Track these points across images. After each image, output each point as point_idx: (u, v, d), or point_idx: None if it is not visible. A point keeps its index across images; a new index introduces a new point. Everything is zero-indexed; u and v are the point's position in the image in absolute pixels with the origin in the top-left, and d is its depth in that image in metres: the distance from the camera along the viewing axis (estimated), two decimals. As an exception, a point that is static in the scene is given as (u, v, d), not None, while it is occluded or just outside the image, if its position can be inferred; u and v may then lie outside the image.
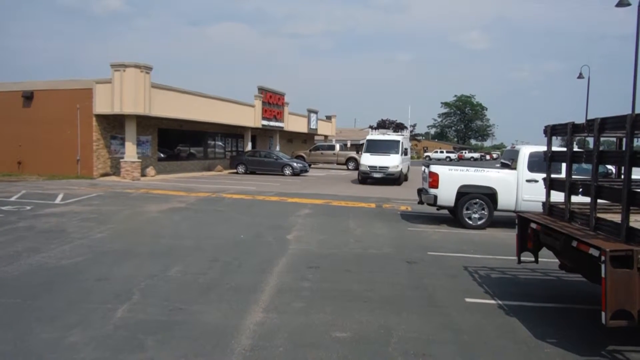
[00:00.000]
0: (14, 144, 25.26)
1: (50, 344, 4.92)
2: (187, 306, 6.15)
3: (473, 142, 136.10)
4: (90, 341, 5.02)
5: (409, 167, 30.95)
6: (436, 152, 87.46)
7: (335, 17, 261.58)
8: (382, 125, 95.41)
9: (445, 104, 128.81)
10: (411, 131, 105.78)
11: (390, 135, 29.60)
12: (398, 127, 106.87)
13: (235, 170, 32.65)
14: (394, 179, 26.04)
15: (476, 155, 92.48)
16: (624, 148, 5.51)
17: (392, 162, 26.05)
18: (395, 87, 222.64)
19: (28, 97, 25.22)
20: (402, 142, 27.44)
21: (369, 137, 28.93)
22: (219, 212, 14.60)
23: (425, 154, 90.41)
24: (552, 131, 6.96)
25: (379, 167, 25.91)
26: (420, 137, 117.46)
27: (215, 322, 5.64)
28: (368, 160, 26.52)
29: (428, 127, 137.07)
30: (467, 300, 6.78)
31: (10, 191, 17.52)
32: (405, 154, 27.50)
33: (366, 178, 26.43)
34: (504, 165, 13.77)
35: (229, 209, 15.33)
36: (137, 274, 7.49)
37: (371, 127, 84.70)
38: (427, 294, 7.05)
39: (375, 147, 27.10)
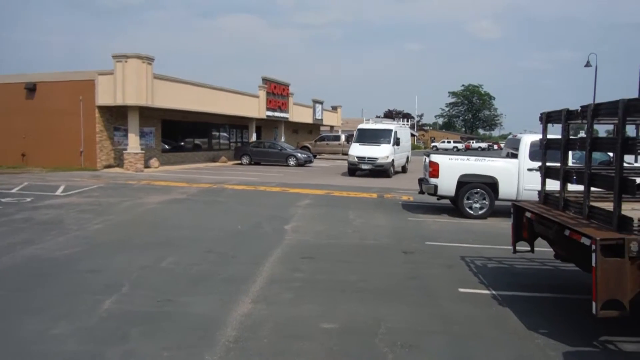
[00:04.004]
0: (17, 136, 25.27)
1: (35, 336, 4.89)
2: (176, 297, 6.10)
3: (481, 131, 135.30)
4: (75, 332, 4.98)
5: (408, 158, 29.41)
6: (443, 142, 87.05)
7: (345, 7, 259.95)
8: (389, 115, 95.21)
9: (453, 94, 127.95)
10: (418, 121, 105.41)
11: (383, 124, 28.04)
12: (405, 117, 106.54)
13: (239, 161, 32.62)
14: (383, 171, 24.52)
15: (484, 145, 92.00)
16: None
17: (382, 152, 24.47)
18: (403, 77, 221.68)
19: (31, 89, 25.20)
20: (396, 132, 25.70)
21: (360, 126, 27.45)
22: (219, 203, 14.56)
23: (433, 144, 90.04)
24: (547, 118, 6.83)
25: (367, 157, 24.40)
26: (428, 127, 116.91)
27: (203, 314, 5.59)
28: (356, 150, 25.05)
29: (436, 117, 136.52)
30: (461, 290, 6.69)
31: (13, 183, 17.56)
32: (398, 144, 25.60)
33: (354, 170, 25.03)
34: (513, 155, 13.54)
35: (230, 199, 15.28)
36: (129, 266, 7.46)
37: (378, 117, 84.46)
38: (421, 285, 6.96)
39: (366, 136, 25.59)
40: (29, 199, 13.92)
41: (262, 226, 11.00)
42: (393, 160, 24.95)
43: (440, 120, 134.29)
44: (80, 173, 22.41)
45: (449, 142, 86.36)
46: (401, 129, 27.84)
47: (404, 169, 28.24)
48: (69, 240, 9.06)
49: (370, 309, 5.89)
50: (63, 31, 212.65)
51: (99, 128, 24.63)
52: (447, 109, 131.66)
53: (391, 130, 25.72)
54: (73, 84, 24.64)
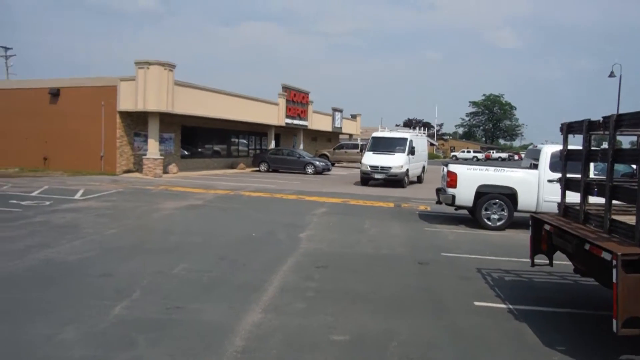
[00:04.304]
0: (40, 140, 25.67)
1: (42, 340, 4.86)
2: (186, 304, 6.04)
3: (502, 141, 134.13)
4: (82, 338, 4.95)
5: (424, 168, 28.68)
6: (463, 151, 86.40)
7: (365, 16, 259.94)
8: (409, 124, 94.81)
9: (474, 103, 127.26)
10: (438, 130, 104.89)
11: (398, 133, 26.94)
12: (424, 126, 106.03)
13: (257, 168, 32.67)
14: (397, 181, 23.67)
15: (504, 155, 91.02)
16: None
17: (396, 161, 23.55)
18: (423, 86, 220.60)
19: (54, 94, 25.61)
20: (411, 141, 24.76)
21: (374, 134, 26.45)
22: (235, 210, 14.54)
23: (452, 153, 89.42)
24: (568, 129, 6.66)
25: (381, 167, 23.58)
26: (448, 137, 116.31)
27: (212, 322, 5.52)
28: (370, 159, 24.22)
29: (456, 126, 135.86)
30: (476, 303, 6.52)
31: (33, 186, 17.77)
32: (413, 153, 24.62)
33: (367, 179, 24.24)
34: (535, 166, 13.23)
35: (246, 206, 15.26)
36: (141, 271, 7.44)
37: (397, 125, 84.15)
38: (435, 297, 6.81)
39: (380, 145, 24.73)
40: (48, 203, 14.05)
41: (277, 234, 10.93)
42: (408, 170, 24.12)
43: (461, 130, 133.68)
44: (99, 177, 22.63)
45: (468, 151, 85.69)
46: (417, 138, 27.02)
47: (419, 179, 27.48)
48: (83, 244, 9.08)
49: (383, 320, 5.76)
50: (84, 35, 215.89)
51: (120, 133, 24.87)
52: (467, 118, 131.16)
53: (406, 139, 24.88)
54: (96, 90, 24.97)
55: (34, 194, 15.94)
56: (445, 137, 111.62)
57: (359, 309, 6.13)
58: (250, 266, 8.04)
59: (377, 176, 23.83)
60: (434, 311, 6.21)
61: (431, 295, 6.86)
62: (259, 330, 5.30)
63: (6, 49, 51.78)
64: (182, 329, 5.27)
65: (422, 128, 40.42)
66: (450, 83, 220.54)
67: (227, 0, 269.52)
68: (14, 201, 14.07)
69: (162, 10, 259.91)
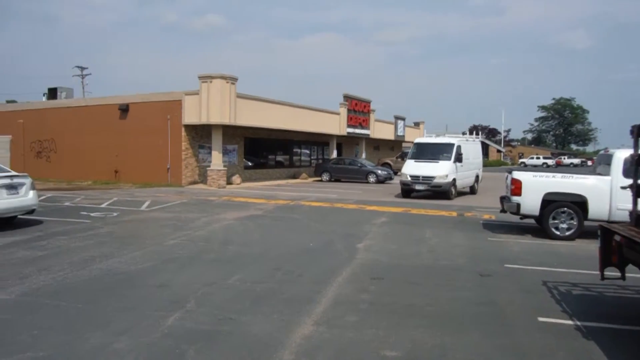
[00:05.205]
0: (111, 154, 26.82)
1: (95, 350, 4.96)
2: (237, 316, 6.03)
3: (573, 147, 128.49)
4: (134, 348, 5.01)
5: (478, 177, 25.45)
6: (532, 158, 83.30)
7: (426, 23, 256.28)
8: (474, 130, 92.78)
9: (543, 108, 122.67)
10: (505, 136, 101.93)
11: (443, 138, 24.73)
12: (490, 132, 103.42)
13: (319, 178, 32.78)
14: (442, 192, 21.23)
15: (576, 161, 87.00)
16: None
17: (440, 170, 21.04)
18: (489, 92, 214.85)
19: (124, 109, 26.71)
20: (459, 147, 22.16)
21: (417, 140, 24.49)
22: (294, 220, 14.56)
23: (520, 160, 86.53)
24: (639, 132, 6.19)
25: (422, 177, 21.16)
26: (516, 143, 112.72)
27: (262, 334, 5.46)
28: (410, 168, 21.86)
29: (524, 132, 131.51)
30: (540, 319, 6.14)
31: (103, 198, 18.54)
32: (460, 160, 21.83)
33: (408, 191, 21.93)
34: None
35: (305, 216, 15.25)
36: (197, 281, 7.51)
37: (463, 133, 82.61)
38: (496, 311, 6.48)
39: (423, 152, 22.47)
40: (115, 214, 14.59)
41: (334, 244, 10.82)
42: (454, 179, 21.51)
43: (529, 136, 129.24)
44: (166, 189, 23.36)
45: (537, 157, 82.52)
46: (467, 144, 24.39)
47: (472, 190, 24.67)
48: (144, 255, 9.32)
49: (438, 336, 5.51)
50: (153, 54, 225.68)
51: (185, 146, 25.61)
52: (536, 123, 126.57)
53: (452, 145, 22.29)
54: (162, 105, 25.87)
55: (103, 205, 16.62)
56: (513, 143, 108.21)
57: (413, 324, 5.91)
58: (305, 277, 7.97)
59: (418, 187, 21.66)
60: (494, 327, 5.89)
61: (492, 310, 6.53)
62: (308, 344, 5.20)
63: (82, 68, 54.88)
64: (232, 341, 5.25)
65: (477, 133, 38.71)
66: (518, 88, 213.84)
67: (291, 15, 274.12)
68: (84, 212, 14.72)
69: (229, 26, 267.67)
